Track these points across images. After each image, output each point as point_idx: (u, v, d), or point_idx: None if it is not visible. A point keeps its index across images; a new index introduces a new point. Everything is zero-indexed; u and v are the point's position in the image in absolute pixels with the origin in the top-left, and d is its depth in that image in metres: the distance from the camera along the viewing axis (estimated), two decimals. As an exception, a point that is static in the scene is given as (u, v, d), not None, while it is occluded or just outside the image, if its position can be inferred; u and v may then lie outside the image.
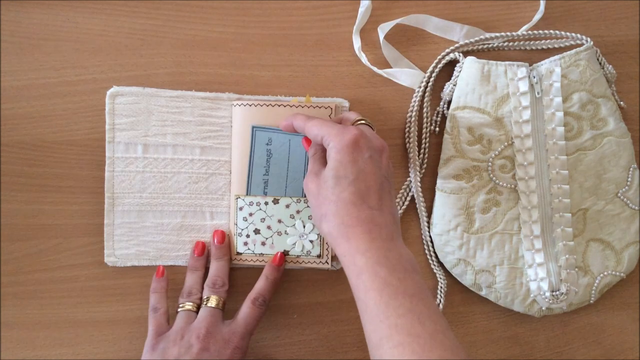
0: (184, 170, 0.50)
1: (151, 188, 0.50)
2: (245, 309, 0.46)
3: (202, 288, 0.48)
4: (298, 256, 0.49)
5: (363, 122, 0.45)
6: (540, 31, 0.52)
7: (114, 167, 0.49)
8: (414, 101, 0.53)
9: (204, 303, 0.47)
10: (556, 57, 0.50)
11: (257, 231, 0.50)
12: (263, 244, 0.50)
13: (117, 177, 0.50)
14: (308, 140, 0.46)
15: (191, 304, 0.47)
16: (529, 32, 0.52)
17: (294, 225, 0.49)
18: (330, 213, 0.40)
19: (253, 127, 0.49)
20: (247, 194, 0.49)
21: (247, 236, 0.50)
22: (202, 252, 0.50)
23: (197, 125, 0.50)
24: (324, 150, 0.44)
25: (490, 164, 0.50)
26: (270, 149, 0.49)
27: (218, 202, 0.51)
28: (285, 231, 0.49)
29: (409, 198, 0.53)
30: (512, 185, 0.50)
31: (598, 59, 0.52)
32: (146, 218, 0.50)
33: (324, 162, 0.43)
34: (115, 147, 0.49)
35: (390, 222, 0.40)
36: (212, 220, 0.51)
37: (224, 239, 0.50)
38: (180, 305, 0.47)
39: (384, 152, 0.43)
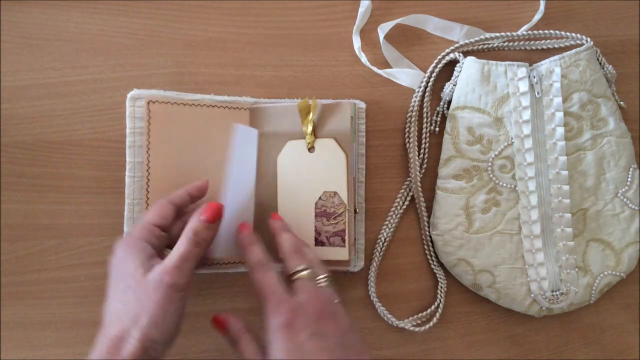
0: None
1: None
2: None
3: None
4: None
5: (304, 272, 0.39)
6: (540, 31, 0.52)
7: (135, 172, 0.47)
8: (414, 101, 0.53)
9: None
10: (556, 57, 0.50)
11: None
12: None
13: (139, 182, 0.47)
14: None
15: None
16: (529, 32, 0.52)
17: None
18: None
19: None
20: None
21: None
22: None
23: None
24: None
25: (490, 164, 0.50)
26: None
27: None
28: None
29: (409, 198, 0.53)
30: (512, 185, 0.50)
31: (598, 59, 0.52)
32: None
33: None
34: (137, 151, 0.47)
35: None
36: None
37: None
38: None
39: (327, 315, 0.37)
